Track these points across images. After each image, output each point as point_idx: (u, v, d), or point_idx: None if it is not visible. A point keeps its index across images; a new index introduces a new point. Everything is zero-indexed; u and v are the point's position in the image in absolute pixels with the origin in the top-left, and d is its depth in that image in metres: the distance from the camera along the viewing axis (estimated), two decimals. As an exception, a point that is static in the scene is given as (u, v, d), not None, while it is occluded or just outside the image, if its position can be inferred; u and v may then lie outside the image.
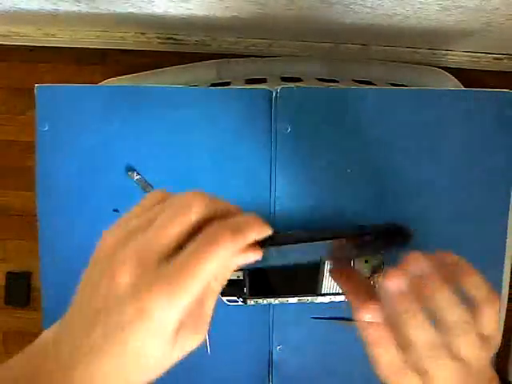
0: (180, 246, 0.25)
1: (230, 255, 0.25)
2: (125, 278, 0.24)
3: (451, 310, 0.28)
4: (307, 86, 0.62)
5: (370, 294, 0.33)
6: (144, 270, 0.24)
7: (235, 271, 0.54)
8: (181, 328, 0.25)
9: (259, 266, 0.30)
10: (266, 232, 0.28)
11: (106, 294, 0.24)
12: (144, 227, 0.26)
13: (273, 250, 0.30)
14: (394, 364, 0.30)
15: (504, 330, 0.59)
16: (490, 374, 0.31)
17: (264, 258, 0.29)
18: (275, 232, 0.30)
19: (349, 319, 0.58)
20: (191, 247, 0.24)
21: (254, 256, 0.28)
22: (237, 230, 0.26)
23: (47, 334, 0.28)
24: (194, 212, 0.26)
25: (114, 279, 0.24)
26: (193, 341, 0.26)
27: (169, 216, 0.26)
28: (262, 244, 0.28)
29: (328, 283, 0.54)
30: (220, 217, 0.27)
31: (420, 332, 0.28)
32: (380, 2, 0.66)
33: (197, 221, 0.26)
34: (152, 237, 0.25)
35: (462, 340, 0.28)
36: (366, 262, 0.55)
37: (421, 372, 0.28)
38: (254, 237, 0.27)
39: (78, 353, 0.24)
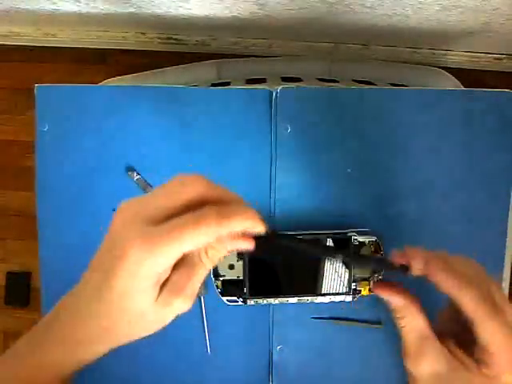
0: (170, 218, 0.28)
1: (211, 236, 0.28)
2: (116, 233, 0.29)
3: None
4: (307, 86, 0.62)
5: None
6: (133, 227, 0.28)
7: (235, 270, 0.54)
8: (164, 287, 0.29)
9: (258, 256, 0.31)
10: (255, 225, 0.29)
11: (104, 248, 0.30)
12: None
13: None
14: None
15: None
16: None
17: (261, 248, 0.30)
18: (274, 231, 0.31)
19: (349, 319, 0.58)
20: (177, 219, 0.28)
21: (245, 245, 0.30)
22: (223, 215, 0.28)
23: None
24: (189, 191, 0.29)
25: (110, 234, 0.29)
26: (178, 304, 0.29)
27: (166, 190, 0.29)
28: (257, 237, 0.30)
29: (328, 283, 0.54)
30: (216, 202, 0.29)
31: None
32: (380, 2, 0.66)
33: (190, 199, 0.29)
34: (146, 203, 0.29)
35: None
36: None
37: None
38: (239, 226, 0.29)
39: (80, 302, 0.31)
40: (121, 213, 0.29)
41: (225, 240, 0.29)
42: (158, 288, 0.29)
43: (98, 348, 0.31)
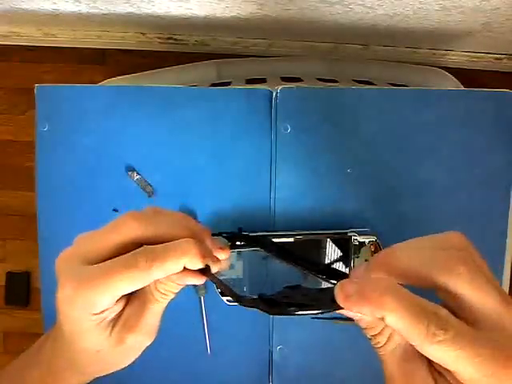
0: (105, 258, 0.28)
1: (145, 279, 0.27)
2: (57, 271, 0.28)
3: None
4: (307, 86, 0.62)
5: None
6: (68, 266, 0.28)
7: (232, 271, 0.54)
8: (117, 323, 0.29)
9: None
10: (192, 261, 0.27)
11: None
12: None
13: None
14: None
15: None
16: None
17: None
18: (208, 267, 0.29)
19: (349, 319, 0.58)
20: (109, 262, 0.27)
21: (194, 280, 0.29)
22: (154, 258, 0.26)
23: None
24: (122, 232, 0.28)
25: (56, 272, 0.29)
26: (133, 340, 0.29)
27: (103, 230, 0.29)
28: (204, 270, 0.28)
29: (328, 283, 0.54)
30: (153, 241, 0.28)
31: None
32: (380, 2, 0.66)
33: (123, 241, 0.28)
34: (87, 241, 0.29)
35: None
36: (367, 261, 0.55)
37: None
38: (174, 266, 0.27)
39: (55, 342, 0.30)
40: (66, 250, 0.29)
41: (171, 277, 0.28)
42: (106, 325, 0.28)
43: (82, 377, 0.31)
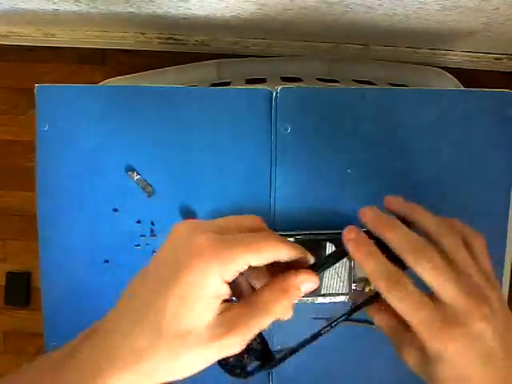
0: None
1: (272, 254, 0.28)
2: (181, 237, 0.28)
3: (459, 250, 0.32)
4: (307, 86, 0.62)
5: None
6: (200, 232, 0.27)
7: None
8: (220, 317, 0.27)
9: None
10: (304, 254, 0.31)
11: (161, 256, 0.29)
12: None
13: None
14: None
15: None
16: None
17: None
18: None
19: (349, 319, 0.58)
20: (244, 234, 0.29)
21: (313, 279, 0.31)
22: (283, 239, 0.29)
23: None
24: (247, 221, 0.30)
25: (172, 241, 0.29)
26: (227, 341, 0.27)
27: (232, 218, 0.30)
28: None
29: (328, 283, 0.54)
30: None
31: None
32: (380, 1, 0.66)
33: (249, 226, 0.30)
34: (207, 222, 0.29)
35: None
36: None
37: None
38: (295, 251, 0.30)
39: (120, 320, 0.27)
40: (183, 224, 0.28)
41: (295, 280, 0.29)
42: (215, 305, 0.26)
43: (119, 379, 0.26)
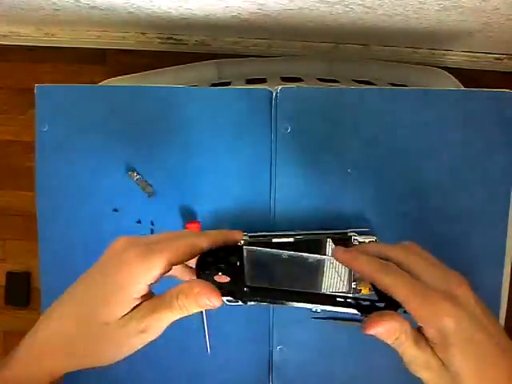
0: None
1: (192, 247, 0.33)
2: (116, 245, 0.34)
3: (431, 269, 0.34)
4: (307, 86, 0.62)
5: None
6: (131, 243, 0.33)
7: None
8: (128, 316, 0.32)
9: None
10: (232, 233, 0.37)
11: (96, 264, 0.35)
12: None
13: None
14: None
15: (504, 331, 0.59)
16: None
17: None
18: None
19: (349, 319, 0.58)
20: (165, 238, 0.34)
21: (214, 301, 0.33)
22: (203, 232, 0.35)
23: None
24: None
25: (109, 249, 0.35)
26: (137, 335, 0.32)
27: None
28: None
29: (328, 283, 0.54)
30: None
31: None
32: (380, 2, 0.66)
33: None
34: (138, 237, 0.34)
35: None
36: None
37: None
38: (219, 235, 0.36)
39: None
40: (119, 240, 0.34)
41: (195, 286, 0.32)
42: (134, 302, 0.32)
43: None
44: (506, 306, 0.59)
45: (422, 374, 0.32)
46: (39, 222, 0.58)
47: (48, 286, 0.58)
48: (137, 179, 0.57)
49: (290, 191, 0.57)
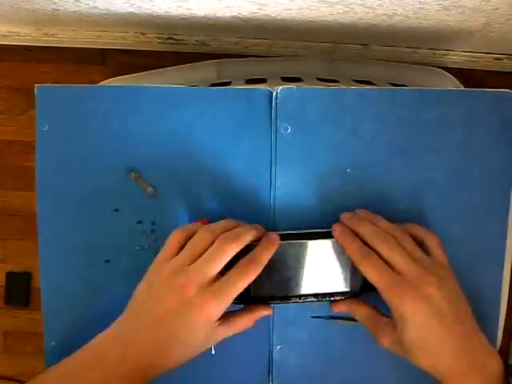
0: (221, 272, 0.42)
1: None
2: (191, 292, 0.40)
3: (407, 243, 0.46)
4: (307, 86, 0.62)
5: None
6: (202, 287, 0.41)
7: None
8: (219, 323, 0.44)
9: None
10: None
11: (175, 302, 0.40)
12: (190, 261, 0.42)
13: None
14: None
15: (504, 331, 0.59)
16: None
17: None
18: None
19: (349, 319, 0.58)
20: (227, 276, 0.43)
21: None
22: (255, 254, 0.47)
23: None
24: (229, 253, 0.43)
25: (184, 293, 0.40)
26: (223, 331, 0.46)
27: (210, 255, 0.43)
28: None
29: (328, 283, 0.54)
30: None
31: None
32: (380, 1, 0.66)
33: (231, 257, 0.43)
34: (204, 268, 0.41)
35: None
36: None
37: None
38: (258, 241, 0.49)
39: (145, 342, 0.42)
40: (180, 278, 0.42)
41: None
42: (211, 328, 0.44)
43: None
44: (506, 306, 0.59)
45: (384, 341, 0.44)
46: (39, 222, 0.58)
47: (48, 286, 0.58)
48: (137, 179, 0.57)
49: (290, 191, 0.57)
